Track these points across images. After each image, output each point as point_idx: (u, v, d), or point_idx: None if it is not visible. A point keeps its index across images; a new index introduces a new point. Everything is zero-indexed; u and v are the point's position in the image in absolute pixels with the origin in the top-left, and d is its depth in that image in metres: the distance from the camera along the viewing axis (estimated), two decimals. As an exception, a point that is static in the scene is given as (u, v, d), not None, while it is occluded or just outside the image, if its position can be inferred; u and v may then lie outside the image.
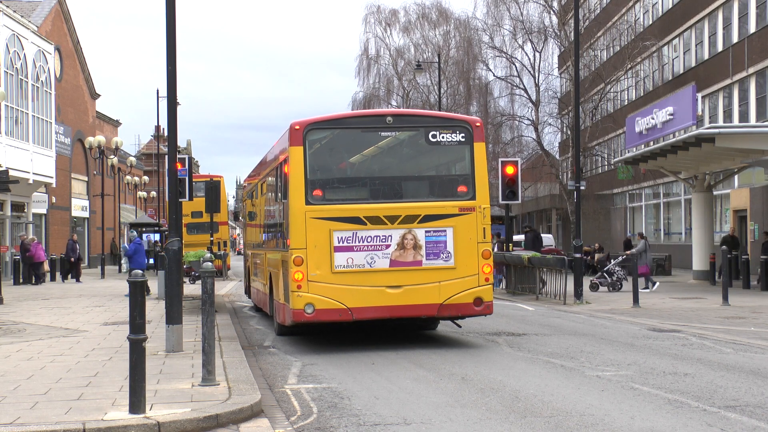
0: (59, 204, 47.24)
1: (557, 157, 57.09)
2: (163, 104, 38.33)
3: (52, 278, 38.04)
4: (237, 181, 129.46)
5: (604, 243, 44.00)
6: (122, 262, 32.35)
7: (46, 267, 35.88)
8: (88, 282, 35.78)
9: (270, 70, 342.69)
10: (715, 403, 9.41)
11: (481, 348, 14.31)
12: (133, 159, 62.73)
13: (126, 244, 44.11)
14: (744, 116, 36.14)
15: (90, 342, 14.29)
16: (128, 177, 64.24)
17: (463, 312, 14.32)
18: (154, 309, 19.57)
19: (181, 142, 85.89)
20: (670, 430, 8.20)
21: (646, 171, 41.44)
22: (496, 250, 27.03)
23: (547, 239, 46.92)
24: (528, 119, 49.28)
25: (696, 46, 41.70)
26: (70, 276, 37.18)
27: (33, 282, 33.74)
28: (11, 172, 31.15)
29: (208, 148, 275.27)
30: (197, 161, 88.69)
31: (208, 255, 21.40)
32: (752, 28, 35.85)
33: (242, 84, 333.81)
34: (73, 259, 37.45)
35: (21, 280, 34.02)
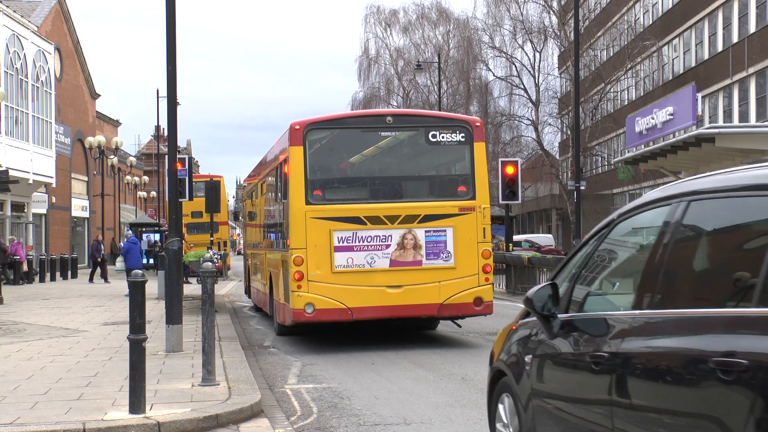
0: (59, 204, 47.23)
1: (557, 157, 57.11)
2: (163, 104, 38.29)
3: (52, 278, 37.96)
4: (237, 181, 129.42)
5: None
6: (117, 261, 32.29)
7: (25, 267, 35.59)
8: (88, 282, 35.75)
9: (270, 70, 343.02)
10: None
11: (481, 348, 14.30)
12: (133, 159, 62.77)
13: (121, 243, 44.15)
14: (744, 116, 36.13)
15: (90, 342, 14.28)
16: (128, 177, 64.26)
17: (463, 312, 14.31)
18: (154, 309, 19.56)
19: (181, 142, 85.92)
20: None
21: (646, 171, 41.43)
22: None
23: (547, 239, 47.02)
24: (528, 119, 49.34)
25: (696, 46, 41.70)
26: (99, 275, 37.08)
27: (6, 282, 33.32)
28: (11, 172, 31.18)
29: (208, 148, 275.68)
30: (197, 161, 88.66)
31: (209, 254, 21.37)
32: (752, 28, 35.85)
33: (242, 84, 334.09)
34: (99, 259, 37.32)
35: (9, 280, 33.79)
